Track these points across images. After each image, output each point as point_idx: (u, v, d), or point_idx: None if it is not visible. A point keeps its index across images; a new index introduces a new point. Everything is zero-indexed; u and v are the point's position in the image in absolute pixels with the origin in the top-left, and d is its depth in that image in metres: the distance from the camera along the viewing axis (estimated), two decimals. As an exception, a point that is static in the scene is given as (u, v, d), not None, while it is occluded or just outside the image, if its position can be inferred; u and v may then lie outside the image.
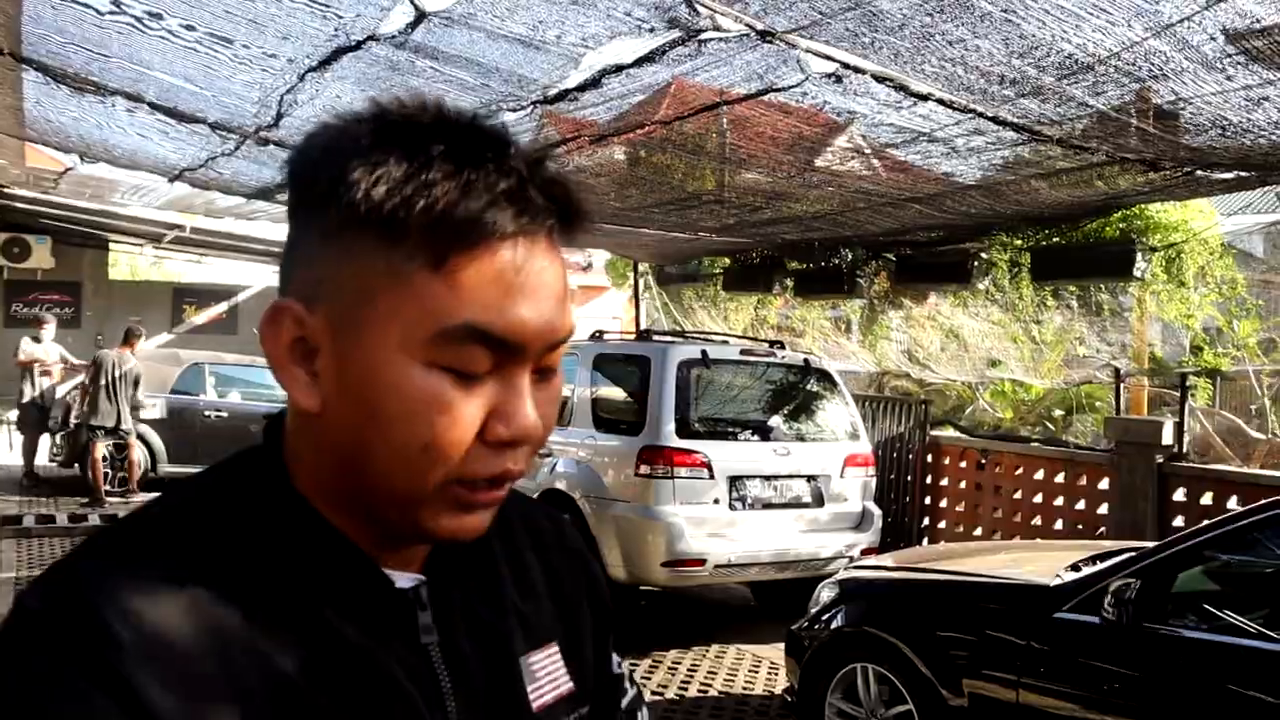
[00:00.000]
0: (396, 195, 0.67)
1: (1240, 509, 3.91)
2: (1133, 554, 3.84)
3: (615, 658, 1.04)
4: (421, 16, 3.88)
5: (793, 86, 4.13)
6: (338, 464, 0.73)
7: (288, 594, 0.73)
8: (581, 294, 29.14)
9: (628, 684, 1.06)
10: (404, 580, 0.79)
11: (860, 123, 4.52)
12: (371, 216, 0.67)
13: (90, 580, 0.69)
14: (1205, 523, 4.05)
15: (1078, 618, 3.68)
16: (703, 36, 3.72)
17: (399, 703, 0.75)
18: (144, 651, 0.65)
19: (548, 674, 0.88)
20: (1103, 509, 7.28)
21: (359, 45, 4.26)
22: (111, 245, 17.17)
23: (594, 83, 4.44)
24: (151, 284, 20.34)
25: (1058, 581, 3.90)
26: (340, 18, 4.01)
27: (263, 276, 20.97)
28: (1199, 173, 5.21)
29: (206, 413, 11.11)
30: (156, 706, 0.64)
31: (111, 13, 4.20)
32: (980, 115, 4.22)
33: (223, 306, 18.59)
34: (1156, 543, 4.07)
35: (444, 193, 0.67)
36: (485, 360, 0.70)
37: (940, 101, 4.07)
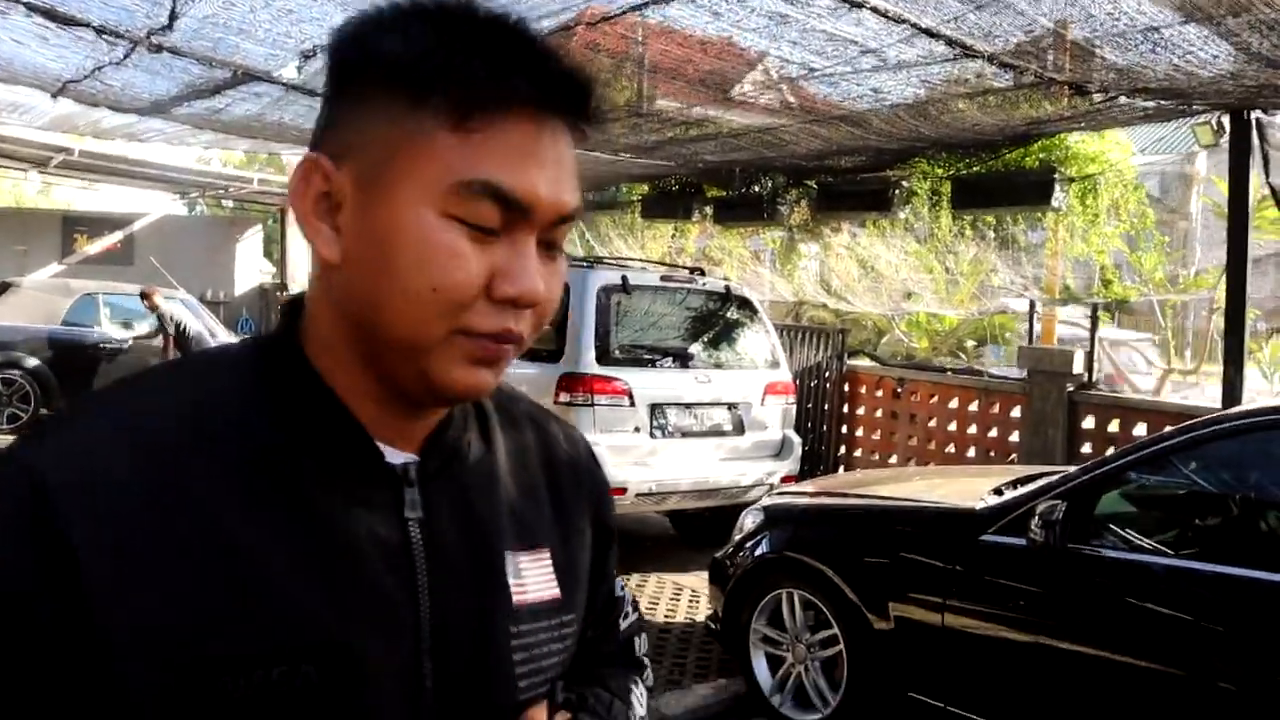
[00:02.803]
0: (427, 59, 0.72)
1: (1158, 433, 3.94)
2: (1057, 477, 3.84)
3: (619, 581, 1.06)
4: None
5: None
6: (352, 313, 0.77)
7: (261, 455, 0.76)
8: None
9: (629, 608, 1.09)
10: (396, 456, 0.82)
11: (792, 27, 4.33)
12: (401, 77, 0.73)
13: (44, 427, 0.76)
14: (1126, 446, 4.07)
15: (1004, 540, 3.67)
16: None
17: (361, 570, 0.77)
18: (74, 493, 0.69)
19: (534, 576, 0.89)
20: (1014, 436, 7.39)
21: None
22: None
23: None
24: (37, 212, 19.31)
25: (983, 505, 3.88)
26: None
27: (160, 204, 20.14)
28: (1122, 100, 5.19)
29: (101, 344, 10.60)
30: (81, 549, 0.68)
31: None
32: (914, 26, 4.10)
33: (117, 236, 17.71)
34: (1077, 466, 4.09)
35: (471, 59, 0.72)
36: (495, 217, 0.74)
37: (874, 9, 3.93)
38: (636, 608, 1.11)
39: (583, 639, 0.95)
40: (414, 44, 0.73)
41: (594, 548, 0.99)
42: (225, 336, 11.19)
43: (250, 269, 20.21)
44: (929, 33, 4.21)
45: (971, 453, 7.72)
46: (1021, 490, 3.88)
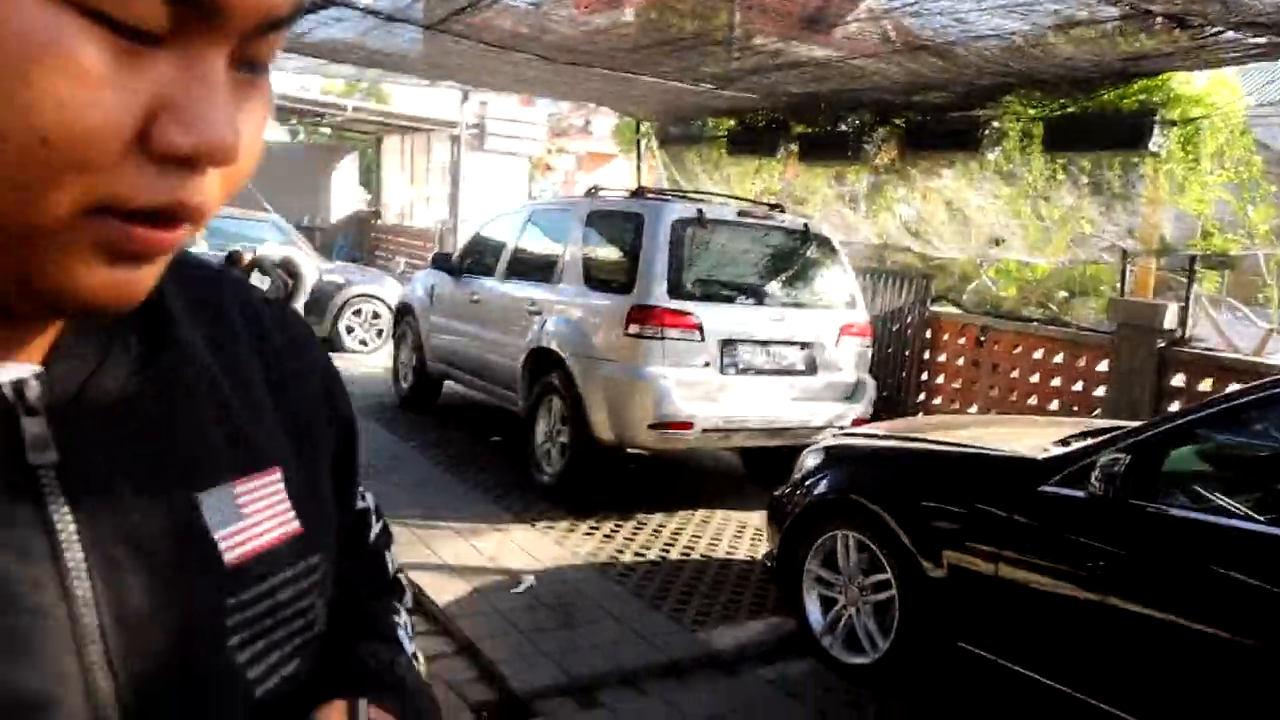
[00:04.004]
0: None
1: (1232, 390, 3.77)
2: (1123, 430, 3.72)
3: (359, 487, 0.82)
4: None
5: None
6: None
7: None
8: (589, 160, 28.66)
9: (373, 518, 0.85)
10: (8, 371, 0.53)
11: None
12: None
13: None
14: (1199, 403, 3.91)
15: (1064, 491, 3.57)
16: None
17: None
18: None
19: (261, 511, 0.63)
20: (1100, 391, 7.17)
21: None
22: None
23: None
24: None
25: (1045, 454, 3.78)
26: None
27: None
28: (1228, 34, 4.90)
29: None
30: None
31: None
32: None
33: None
34: (1148, 420, 3.95)
35: None
36: (160, 13, 0.45)
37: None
38: (380, 514, 0.88)
39: (339, 574, 0.72)
40: None
41: (337, 453, 0.76)
42: (317, 261, 11.45)
43: (346, 195, 20.60)
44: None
45: (1055, 406, 7.52)
46: (1086, 442, 3.76)
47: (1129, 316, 6.97)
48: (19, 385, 0.53)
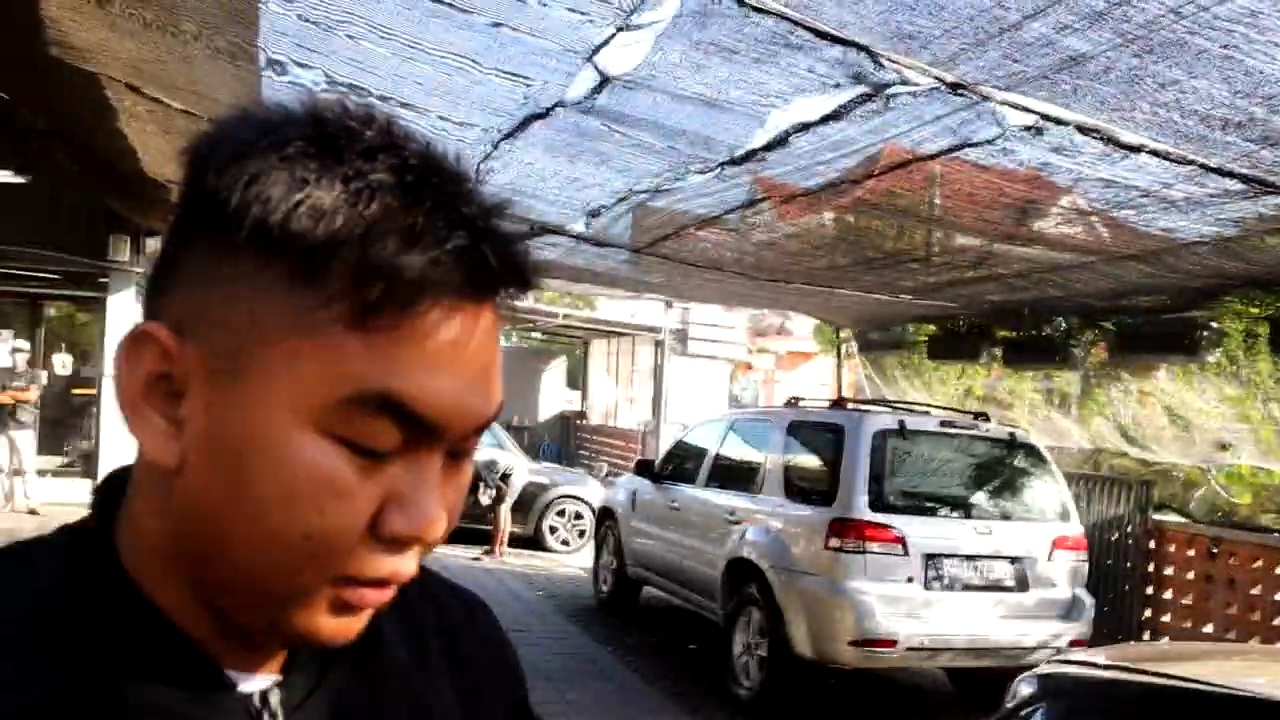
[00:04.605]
0: (323, 228, 0.53)
1: None
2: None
3: None
4: (605, 81, 3.93)
5: (989, 141, 3.91)
6: (189, 541, 0.59)
7: (78, 698, 0.58)
8: (788, 359, 28.98)
9: None
10: (249, 682, 0.64)
11: (1066, 176, 4.22)
12: (286, 246, 0.54)
13: None
14: None
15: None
16: (890, 91, 3.58)
17: None
18: None
19: None
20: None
21: (548, 112, 4.36)
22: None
23: (781, 141, 4.36)
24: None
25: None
26: (529, 84, 4.10)
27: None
28: None
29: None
30: None
31: (324, 91, 4.46)
32: (1201, 166, 3.86)
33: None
34: None
35: (383, 237, 0.54)
36: (394, 438, 0.57)
37: (1154, 153, 3.75)
38: None
39: None
40: (307, 202, 0.54)
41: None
42: (525, 461, 11.93)
43: (554, 397, 21.47)
44: (1219, 171, 3.95)
45: (1304, 628, 6.81)
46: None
47: (1387, 531, 6.32)
48: (265, 694, 0.64)
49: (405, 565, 0.60)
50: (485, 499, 10.85)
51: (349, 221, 0.54)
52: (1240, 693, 3.69)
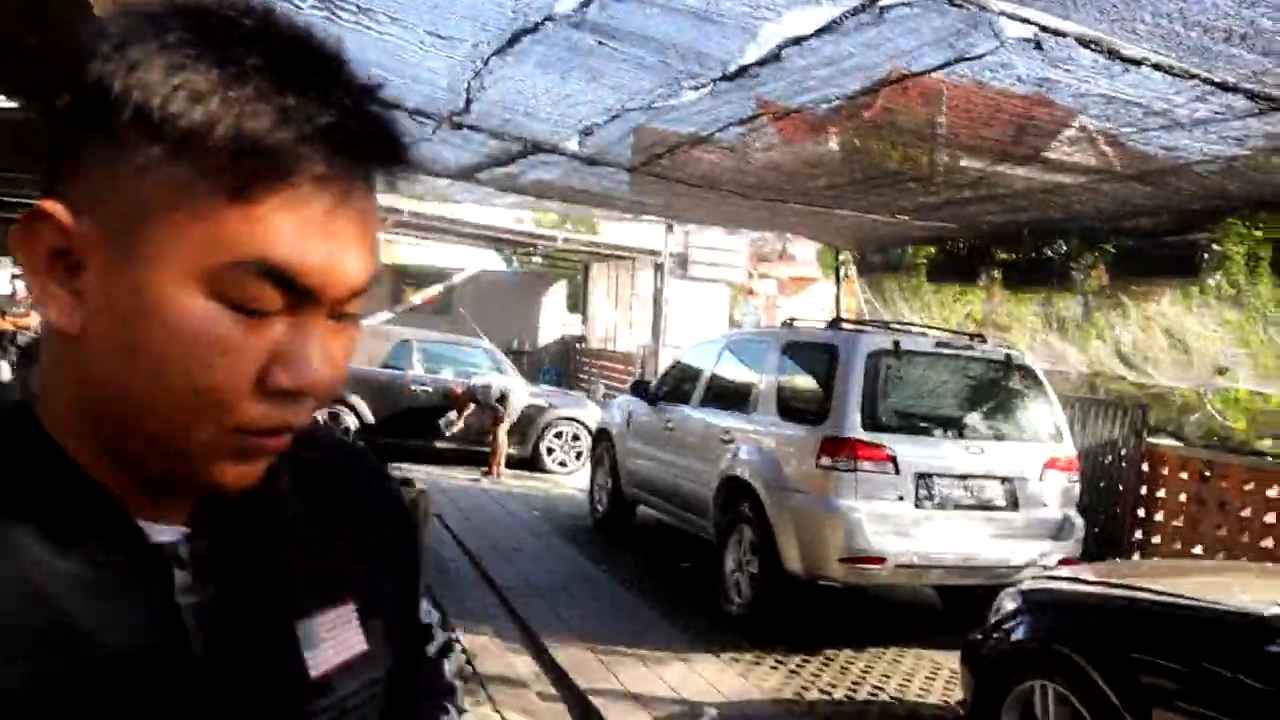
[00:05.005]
0: (199, 110, 0.58)
1: None
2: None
3: (425, 605, 0.97)
4: (596, -9, 3.83)
5: (986, 54, 3.83)
6: (97, 401, 0.65)
7: None
8: (791, 285, 28.85)
9: (437, 630, 0.99)
10: (163, 533, 0.70)
11: (1066, 93, 4.14)
12: (166, 128, 0.59)
13: None
14: None
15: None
16: (884, 2, 3.49)
17: (124, 671, 0.65)
18: None
19: (337, 636, 0.79)
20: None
21: (537, 26, 4.26)
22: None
23: (774, 57, 4.28)
24: (376, 266, 21.34)
25: (1274, 611, 3.45)
26: (517, -1, 4.01)
27: (480, 259, 21.88)
28: None
29: (412, 385, 11.60)
30: None
31: (314, 6, 4.34)
32: (1204, 80, 3.79)
33: (438, 288, 19.37)
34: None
35: (255, 116, 0.59)
36: (276, 299, 0.62)
37: (1156, 67, 3.68)
38: (444, 626, 1.02)
39: (392, 678, 0.87)
40: (184, 87, 0.59)
41: (401, 580, 0.90)
42: (523, 385, 11.98)
43: (554, 321, 21.47)
44: (1224, 86, 3.87)
45: (1294, 550, 6.86)
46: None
47: (1379, 454, 6.34)
48: (175, 545, 0.70)
49: (295, 416, 0.66)
50: (461, 422, 10.99)
51: (224, 103, 0.59)
52: (1210, 604, 3.73)
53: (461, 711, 1.00)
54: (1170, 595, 3.95)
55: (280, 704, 0.74)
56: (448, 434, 11.42)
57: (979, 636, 4.43)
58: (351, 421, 11.12)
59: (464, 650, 5.28)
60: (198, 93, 0.58)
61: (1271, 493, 7.03)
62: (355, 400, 11.19)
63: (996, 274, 8.58)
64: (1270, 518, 7.03)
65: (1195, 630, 3.64)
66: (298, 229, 0.61)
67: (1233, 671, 3.37)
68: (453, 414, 11.31)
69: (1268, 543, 7.02)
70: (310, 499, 0.82)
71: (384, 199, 13.26)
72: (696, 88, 4.87)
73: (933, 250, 9.42)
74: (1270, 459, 7.57)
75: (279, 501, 0.79)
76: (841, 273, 11.15)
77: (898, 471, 5.95)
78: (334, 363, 0.66)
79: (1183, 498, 7.70)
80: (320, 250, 0.62)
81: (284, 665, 0.75)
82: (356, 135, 0.62)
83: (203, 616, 0.70)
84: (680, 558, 7.83)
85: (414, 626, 0.94)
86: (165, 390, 0.62)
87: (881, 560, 5.76)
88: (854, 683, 5.46)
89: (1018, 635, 4.20)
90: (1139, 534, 7.95)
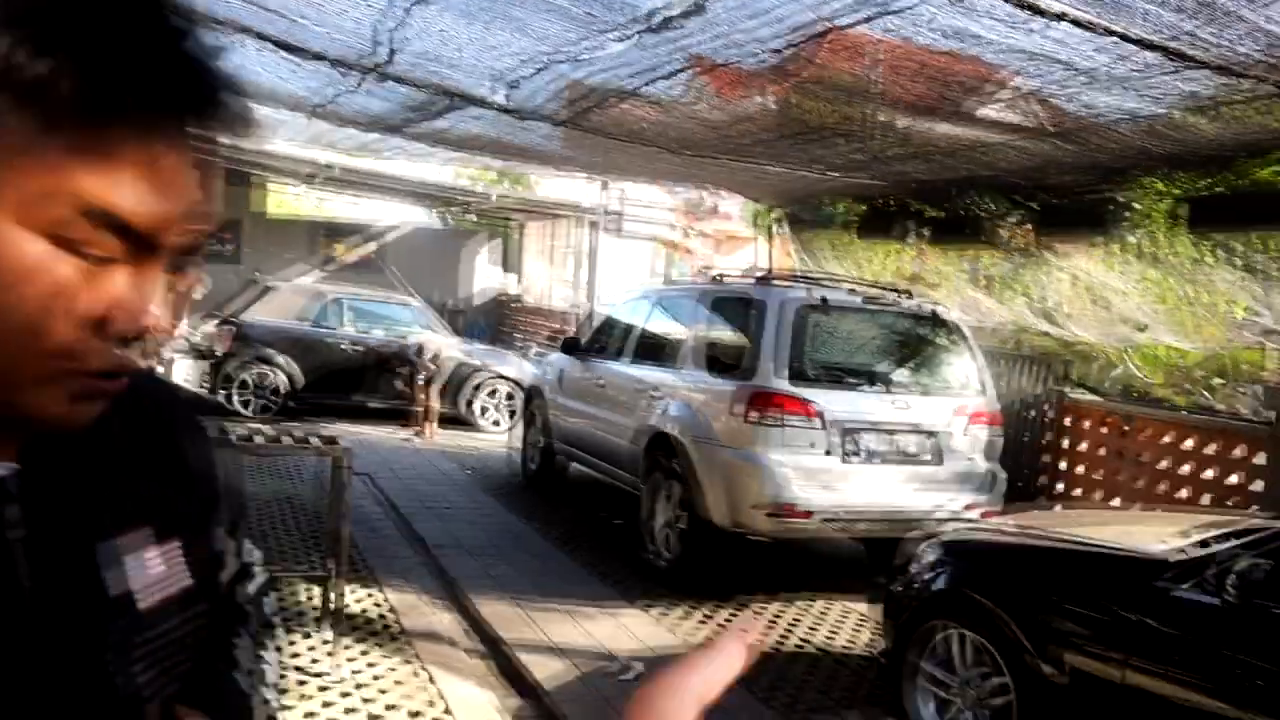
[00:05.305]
0: (19, 50, 0.61)
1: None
2: (1269, 532, 3.48)
3: (246, 544, 1.01)
4: (515, -66, 3.74)
5: (909, 8, 3.81)
6: None
7: None
8: (727, 243, 28.87)
9: (257, 569, 1.03)
10: None
11: (988, 49, 4.15)
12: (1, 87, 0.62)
13: None
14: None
15: (1196, 596, 3.34)
16: (804, -50, 3.45)
17: None
18: None
19: (165, 571, 0.83)
20: (1257, 485, 6.72)
21: (457, -30, 4.15)
22: (269, 185, 17.73)
23: (698, 8, 4.22)
24: (300, 222, 20.78)
25: (1175, 554, 3.55)
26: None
27: (413, 216, 21.51)
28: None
29: (342, 344, 11.43)
30: None
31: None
32: (1123, 37, 3.82)
33: (370, 246, 19.04)
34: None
35: (76, 64, 0.62)
36: (112, 245, 0.66)
37: (1075, 22, 3.69)
38: (266, 569, 1.07)
39: (213, 614, 0.90)
40: (6, 36, 0.61)
41: (229, 519, 0.95)
42: (456, 343, 11.88)
43: (487, 279, 21.25)
44: (1141, 43, 3.91)
45: (1206, 500, 7.08)
46: (1224, 545, 3.53)
47: (1287, 406, 6.55)
48: (3, 479, 0.73)
49: (132, 358, 0.70)
50: (424, 378, 10.91)
51: (44, 47, 0.61)
52: (1114, 549, 3.84)
53: (279, 649, 1.06)
54: (1078, 541, 4.05)
55: (89, 626, 0.76)
56: (397, 391, 11.37)
57: (898, 587, 4.51)
58: (281, 380, 10.94)
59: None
60: (19, 41, 0.61)
61: (1187, 445, 7.23)
62: (283, 360, 10.99)
63: (925, 231, 8.64)
64: (1186, 469, 7.23)
65: (1099, 574, 3.74)
66: (127, 175, 0.64)
67: (1137, 613, 3.47)
68: (399, 382, 11.25)
69: (1184, 493, 7.23)
70: (132, 429, 0.85)
71: (315, 154, 12.97)
72: (621, 39, 4.80)
73: (863, 208, 9.46)
74: (1186, 412, 7.78)
75: (107, 438, 0.80)
76: (773, 230, 11.17)
77: (823, 425, 6.00)
78: (170, 309, 0.70)
79: (1103, 451, 7.90)
80: (147, 196, 0.65)
81: (110, 599, 0.78)
82: (175, 78, 0.65)
83: (30, 548, 0.73)
84: (612, 515, 7.85)
85: (236, 562, 0.97)
86: (6, 331, 0.64)
87: (808, 513, 5.83)
88: (782, 635, 5.53)
89: (937, 585, 4.28)
90: (1060, 486, 8.14)
